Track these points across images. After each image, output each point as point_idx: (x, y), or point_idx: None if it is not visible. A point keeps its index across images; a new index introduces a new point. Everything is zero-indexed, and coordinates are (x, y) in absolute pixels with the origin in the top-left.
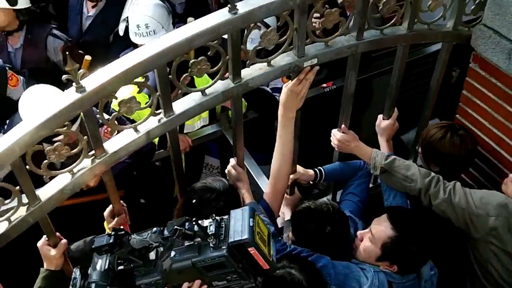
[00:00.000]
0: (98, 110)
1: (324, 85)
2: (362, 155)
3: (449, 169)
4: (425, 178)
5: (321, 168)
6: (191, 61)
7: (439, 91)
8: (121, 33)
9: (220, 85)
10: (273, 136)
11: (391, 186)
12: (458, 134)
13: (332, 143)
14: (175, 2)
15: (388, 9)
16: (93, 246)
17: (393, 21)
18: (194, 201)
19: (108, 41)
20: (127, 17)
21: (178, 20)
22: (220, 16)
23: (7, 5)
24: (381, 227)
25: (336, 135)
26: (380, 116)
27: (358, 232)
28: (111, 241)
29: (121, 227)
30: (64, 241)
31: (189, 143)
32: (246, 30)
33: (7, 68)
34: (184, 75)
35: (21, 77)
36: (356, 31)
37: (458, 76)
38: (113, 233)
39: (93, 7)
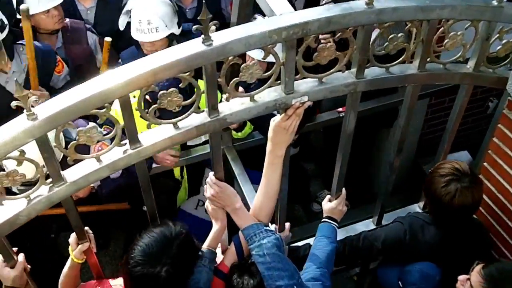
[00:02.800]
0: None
1: (340, 109)
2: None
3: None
4: None
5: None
6: (159, 93)
7: (473, 121)
8: (121, 27)
9: (195, 119)
10: None
11: None
12: (467, 188)
13: None
14: (185, 7)
15: (394, 46)
16: None
17: (401, 59)
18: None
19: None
20: (130, 10)
21: (185, 20)
22: (193, 47)
23: None
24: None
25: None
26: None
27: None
28: None
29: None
30: (21, 260)
31: (174, 160)
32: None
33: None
34: (153, 107)
35: (66, 67)
36: (355, 68)
37: (495, 107)
38: None
39: None
